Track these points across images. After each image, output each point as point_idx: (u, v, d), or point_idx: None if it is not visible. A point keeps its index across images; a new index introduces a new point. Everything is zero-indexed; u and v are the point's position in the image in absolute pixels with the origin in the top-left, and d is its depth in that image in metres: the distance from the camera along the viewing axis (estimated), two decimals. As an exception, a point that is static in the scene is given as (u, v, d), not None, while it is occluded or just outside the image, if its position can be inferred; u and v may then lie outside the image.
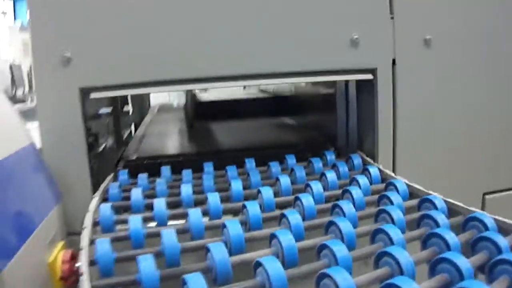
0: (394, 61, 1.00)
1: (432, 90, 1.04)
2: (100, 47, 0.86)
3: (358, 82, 1.09)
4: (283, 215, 0.67)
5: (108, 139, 1.49)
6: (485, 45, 1.06)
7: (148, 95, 2.25)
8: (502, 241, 0.57)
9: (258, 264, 0.52)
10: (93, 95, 0.87)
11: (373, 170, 0.90)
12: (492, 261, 0.54)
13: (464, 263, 0.52)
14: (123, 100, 1.63)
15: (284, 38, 0.93)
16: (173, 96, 3.08)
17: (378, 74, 0.99)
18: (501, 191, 1.10)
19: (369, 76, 0.99)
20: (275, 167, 0.94)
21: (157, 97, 2.76)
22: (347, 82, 1.13)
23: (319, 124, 1.36)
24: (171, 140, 1.31)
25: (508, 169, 1.12)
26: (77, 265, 0.65)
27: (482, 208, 1.07)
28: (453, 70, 1.05)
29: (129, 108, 2.19)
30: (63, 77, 0.85)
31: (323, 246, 0.56)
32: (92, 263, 0.59)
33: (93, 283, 0.54)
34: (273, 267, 0.50)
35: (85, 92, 0.87)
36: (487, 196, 1.09)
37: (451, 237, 0.59)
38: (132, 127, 1.79)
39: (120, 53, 0.86)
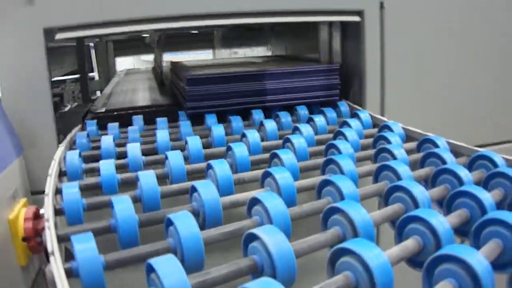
0: (382, 4, 0.93)
1: (423, 35, 0.98)
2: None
3: (344, 27, 1.02)
4: (274, 155, 0.60)
5: (73, 104, 1.40)
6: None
7: (114, 61, 2.15)
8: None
9: (254, 202, 0.45)
10: (59, 36, 0.77)
11: (364, 115, 0.84)
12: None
13: (486, 197, 0.46)
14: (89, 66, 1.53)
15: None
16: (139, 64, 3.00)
17: (365, 16, 0.93)
18: (494, 144, 1.06)
19: (356, 18, 0.93)
20: (258, 114, 0.86)
21: (123, 63, 2.66)
22: (331, 29, 1.06)
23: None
24: (142, 95, 1.21)
25: (501, 121, 1.08)
26: (41, 211, 0.57)
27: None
28: (444, 15, 0.99)
29: (94, 74, 2.09)
30: (26, 17, 0.75)
31: (326, 183, 0.49)
32: (58, 212, 0.51)
33: (59, 232, 0.46)
34: (273, 204, 0.43)
35: (49, 33, 0.77)
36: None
37: (465, 174, 0.53)
38: (98, 93, 1.71)
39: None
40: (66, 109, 1.30)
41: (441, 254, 0.35)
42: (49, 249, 0.40)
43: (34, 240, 0.61)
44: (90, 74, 1.96)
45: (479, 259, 0.34)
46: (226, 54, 2.13)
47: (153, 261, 0.34)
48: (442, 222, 0.39)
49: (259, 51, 1.80)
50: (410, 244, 0.40)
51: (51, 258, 0.38)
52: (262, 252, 0.36)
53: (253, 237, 0.37)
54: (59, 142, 0.79)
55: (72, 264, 0.37)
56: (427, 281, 0.36)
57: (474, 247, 0.38)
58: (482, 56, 1.04)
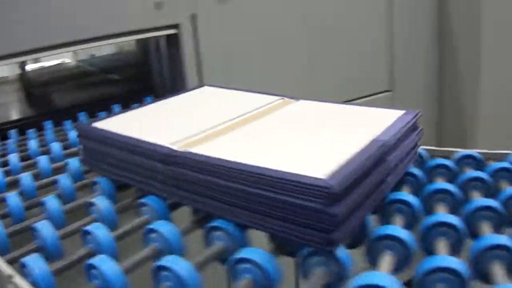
0: (195, 16, 1.14)
1: (232, 39, 1.20)
2: None
3: (167, 36, 1.20)
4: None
5: None
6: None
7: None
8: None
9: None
10: None
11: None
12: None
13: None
14: None
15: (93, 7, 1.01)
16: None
17: (181, 28, 1.12)
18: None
19: (173, 31, 1.12)
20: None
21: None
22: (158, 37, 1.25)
23: (141, 76, 1.49)
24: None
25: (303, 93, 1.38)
26: None
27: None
28: (249, 21, 1.23)
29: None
30: None
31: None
32: None
33: None
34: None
35: None
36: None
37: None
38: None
39: None
40: None
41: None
42: None
43: None
44: None
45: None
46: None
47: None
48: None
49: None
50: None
51: None
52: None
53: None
54: None
55: None
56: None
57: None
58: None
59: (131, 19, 1.06)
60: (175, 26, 1.13)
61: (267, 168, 0.45)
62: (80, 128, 0.67)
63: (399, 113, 0.59)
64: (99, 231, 0.50)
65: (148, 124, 0.66)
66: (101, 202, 0.57)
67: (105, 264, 0.43)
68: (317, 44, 1.35)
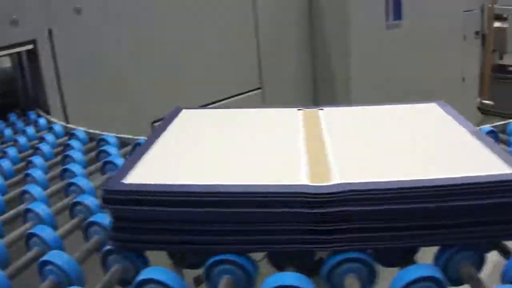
0: (51, 30, 1.16)
1: (89, 50, 1.24)
2: None
3: (27, 52, 1.20)
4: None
5: None
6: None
7: None
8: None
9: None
10: None
11: (57, 127, 1.04)
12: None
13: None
14: None
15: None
16: None
17: (38, 43, 1.15)
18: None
19: (30, 47, 1.14)
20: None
21: None
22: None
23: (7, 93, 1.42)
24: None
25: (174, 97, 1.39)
26: None
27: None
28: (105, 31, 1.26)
29: None
30: None
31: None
32: None
33: None
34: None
35: None
36: (156, 124, 1.36)
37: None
38: None
39: None
40: None
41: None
42: None
43: None
44: None
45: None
46: None
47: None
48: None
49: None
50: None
51: None
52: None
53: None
54: None
55: None
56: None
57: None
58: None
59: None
60: (32, 42, 1.13)
61: (464, 177, 0.41)
62: (113, 191, 0.46)
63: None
64: (44, 231, 0.53)
65: (204, 166, 0.52)
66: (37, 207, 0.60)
67: (60, 257, 0.46)
68: (181, 47, 1.38)
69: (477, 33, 2.85)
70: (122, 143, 0.92)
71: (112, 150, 0.86)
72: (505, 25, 3.26)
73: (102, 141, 0.92)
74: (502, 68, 3.50)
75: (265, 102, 1.54)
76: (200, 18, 1.41)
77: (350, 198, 0.40)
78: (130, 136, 0.94)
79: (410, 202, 0.40)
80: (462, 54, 2.61)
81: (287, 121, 0.64)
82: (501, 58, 3.48)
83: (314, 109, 0.67)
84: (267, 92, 1.59)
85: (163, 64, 1.35)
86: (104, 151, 0.86)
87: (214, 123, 0.69)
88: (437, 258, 0.43)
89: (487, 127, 0.77)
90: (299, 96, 1.75)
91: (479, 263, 0.43)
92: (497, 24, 3.21)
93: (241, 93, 1.52)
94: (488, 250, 0.45)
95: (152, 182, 0.45)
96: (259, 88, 1.58)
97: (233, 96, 1.49)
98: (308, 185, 0.42)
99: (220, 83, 1.46)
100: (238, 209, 0.42)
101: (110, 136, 0.92)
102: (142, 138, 0.89)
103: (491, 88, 3.13)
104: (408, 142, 0.54)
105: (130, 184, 0.46)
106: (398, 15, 1.91)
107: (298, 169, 0.46)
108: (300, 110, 0.67)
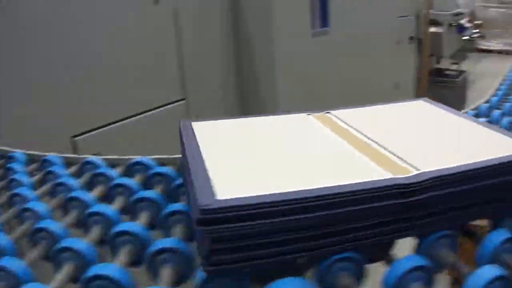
0: None
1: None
2: None
3: None
4: None
5: None
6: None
7: None
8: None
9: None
10: None
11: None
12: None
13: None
14: None
15: None
16: None
17: None
18: (90, 131, 1.37)
19: None
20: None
21: None
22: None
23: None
24: None
25: (95, 109, 1.40)
26: None
27: (74, 151, 1.31)
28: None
29: None
30: None
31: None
32: None
33: None
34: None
35: None
36: (77, 138, 1.34)
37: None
38: None
39: None
40: None
41: None
42: None
43: None
44: None
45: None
46: None
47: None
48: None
49: None
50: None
51: None
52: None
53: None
54: None
55: None
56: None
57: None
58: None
59: None
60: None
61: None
62: (212, 210, 0.41)
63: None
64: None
65: (274, 174, 0.50)
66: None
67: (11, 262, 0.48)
68: (100, 60, 1.37)
69: (411, 38, 2.96)
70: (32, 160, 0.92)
71: (18, 167, 0.86)
72: (440, 30, 3.39)
73: (9, 158, 0.92)
74: (439, 72, 3.64)
75: (189, 113, 1.56)
76: (120, 29, 1.40)
77: (436, 184, 0.46)
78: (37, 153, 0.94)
79: (478, 181, 0.47)
80: (396, 59, 2.70)
81: (310, 125, 0.64)
82: (438, 62, 3.62)
83: (322, 113, 0.68)
84: (192, 103, 1.61)
85: (84, 78, 1.33)
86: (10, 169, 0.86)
87: (242, 133, 0.64)
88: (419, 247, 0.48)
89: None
90: (225, 106, 1.77)
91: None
92: (432, 29, 3.33)
93: (165, 104, 1.53)
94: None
95: (245, 195, 0.42)
96: (183, 99, 1.59)
97: (155, 108, 1.50)
98: (397, 177, 0.46)
99: (141, 95, 1.46)
100: (342, 210, 0.43)
101: (18, 153, 0.92)
102: (49, 155, 0.89)
103: (429, 91, 3.25)
104: (433, 133, 0.60)
105: (228, 200, 0.41)
106: (324, 22, 1.96)
107: (369, 167, 0.49)
108: (310, 115, 0.68)
